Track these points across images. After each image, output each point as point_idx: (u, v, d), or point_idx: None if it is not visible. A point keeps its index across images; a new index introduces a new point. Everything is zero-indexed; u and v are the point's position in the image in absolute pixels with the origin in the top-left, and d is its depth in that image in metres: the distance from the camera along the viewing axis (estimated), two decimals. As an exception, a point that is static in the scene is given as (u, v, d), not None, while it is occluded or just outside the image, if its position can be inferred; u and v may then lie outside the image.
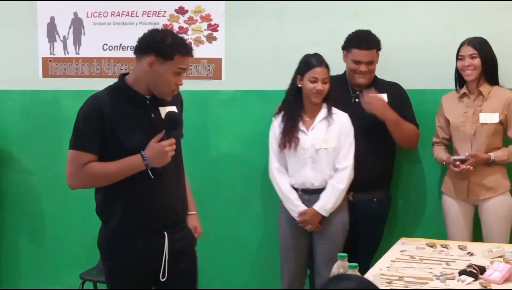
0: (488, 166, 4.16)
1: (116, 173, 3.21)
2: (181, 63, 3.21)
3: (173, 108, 3.35)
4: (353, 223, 4.37)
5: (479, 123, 4.16)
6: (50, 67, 5.18)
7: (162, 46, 3.16)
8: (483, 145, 4.16)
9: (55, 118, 5.20)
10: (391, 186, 4.58)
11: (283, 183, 4.25)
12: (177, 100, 3.44)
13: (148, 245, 3.28)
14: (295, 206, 4.21)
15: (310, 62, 4.17)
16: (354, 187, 4.31)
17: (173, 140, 3.24)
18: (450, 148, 4.37)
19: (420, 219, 4.62)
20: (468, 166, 4.10)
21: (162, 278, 3.29)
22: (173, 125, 3.29)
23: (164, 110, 3.31)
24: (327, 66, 4.17)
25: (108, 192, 3.30)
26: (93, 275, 4.78)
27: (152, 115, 3.28)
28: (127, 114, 3.23)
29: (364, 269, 3.33)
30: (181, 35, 3.32)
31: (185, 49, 3.21)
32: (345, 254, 2.60)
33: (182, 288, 3.38)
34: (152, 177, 3.23)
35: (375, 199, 4.40)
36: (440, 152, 4.32)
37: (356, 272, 2.48)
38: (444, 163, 4.26)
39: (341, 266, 2.56)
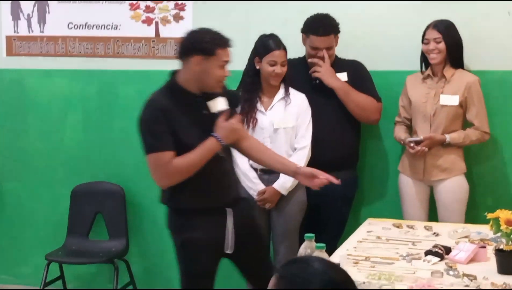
0: (444, 148, 4.19)
1: (199, 160, 3.38)
2: (224, 56, 3.41)
3: (221, 100, 3.52)
4: (318, 205, 4.37)
5: (439, 105, 4.19)
6: (14, 45, 5.09)
7: (203, 44, 3.38)
8: (441, 127, 4.19)
9: (19, 97, 5.14)
10: (357, 168, 4.59)
11: (242, 162, 4.23)
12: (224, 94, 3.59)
13: (212, 221, 3.47)
14: (254, 184, 4.21)
15: (269, 45, 4.17)
16: (317, 168, 4.29)
17: (239, 117, 3.54)
18: (411, 128, 4.38)
19: (386, 199, 4.64)
20: (423, 148, 4.14)
21: (228, 250, 3.52)
22: (234, 102, 3.58)
23: (213, 103, 3.49)
24: (285, 49, 4.18)
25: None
26: (58, 256, 4.75)
27: (204, 112, 3.47)
28: (183, 112, 3.41)
29: (331, 249, 3.34)
30: (216, 30, 3.47)
31: (224, 42, 3.42)
32: (312, 235, 2.60)
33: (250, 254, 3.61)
34: (222, 155, 3.46)
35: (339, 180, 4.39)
36: (400, 132, 4.35)
37: (323, 252, 2.48)
38: (401, 142, 4.30)
39: (308, 246, 2.56)
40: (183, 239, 3.49)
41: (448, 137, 4.17)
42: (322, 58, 4.30)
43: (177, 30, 4.81)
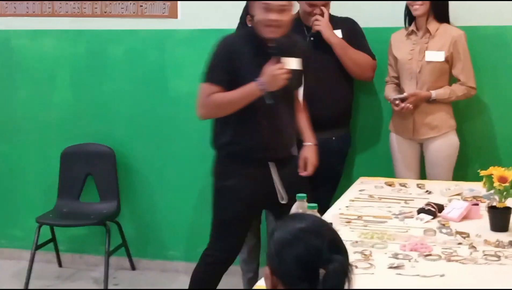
0: (432, 105, 4.13)
1: (237, 99, 3.46)
2: None
3: (295, 61, 3.56)
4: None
5: (425, 61, 4.12)
6: (0, 6, 5.00)
7: None
8: (427, 84, 4.13)
9: (7, 58, 5.07)
10: (350, 125, 4.57)
11: None
12: (301, 54, 3.64)
13: (253, 172, 3.57)
14: None
15: None
16: (313, 125, 4.28)
17: (282, 65, 3.43)
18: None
19: (379, 158, 4.61)
20: (408, 105, 4.09)
21: (281, 200, 3.58)
22: (280, 50, 3.46)
23: (287, 61, 3.48)
24: None
25: (223, 122, 3.58)
26: (49, 219, 4.73)
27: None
28: (252, 59, 3.48)
29: (324, 208, 3.33)
30: None
31: None
32: (304, 195, 2.58)
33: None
34: (269, 102, 3.44)
35: (333, 138, 4.38)
36: (389, 91, 4.29)
37: (315, 212, 2.46)
38: (390, 101, 4.26)
39: (300, 206, 2.53)
40: (219, 186, 3.65)
41: (433, 93, 4.10)
42: (321, 14, 4.25)
43: (166, -11, 4.75)
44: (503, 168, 2.95)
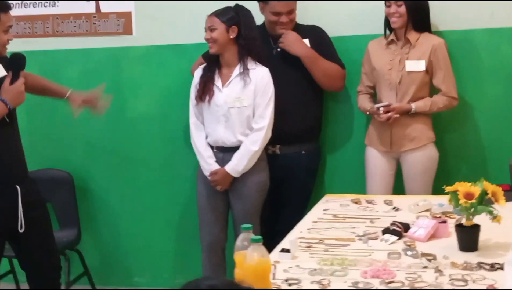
0: (410, 117, 4.01)
1: None
2: (7, 21, 3.37)
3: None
4: (282, 179, 4.23)
5: (405, 72, 4.00)
6: None
7: None
8: (408, 95, 4.02)
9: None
10: (320, 140, 4.40)
11: (199, 139, 4.08)
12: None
13: (2, 198, 3.37)
14: (207, 164, 4.04)
15: None
16: (281, 140, 4.19)
17: (23, 80, 3.39)
18: (375, 97, 4.19)
19: (350, 172, 4.44)
20: (394, 115, 3.94)
21: (20, 229, 3.41)
22: (20, 65, 3.42)
23: None
24: (216, 15, 3.94)
25: None
26: (7, 250, 4.49)
27: None
28: None
29: (293, 227, 3.20)
30: None
31: (5, 7, 3.37)
32: (250, 226, 2.38)
33: (39, 235, 3.53)
34: (8, 120, 3.34)
35: (303, 152, 4.26)
36: (364, 102, 4.15)
37: (259, 245, 2.25)
38: (367, 112, 4.10)
39: (245, 239, 2.33)
40: None
41: (413, 106, 3.98)
42: (285, 24, 4.13)
43: (118, 5, 4.59)
44: (469, 184, 2.76)
